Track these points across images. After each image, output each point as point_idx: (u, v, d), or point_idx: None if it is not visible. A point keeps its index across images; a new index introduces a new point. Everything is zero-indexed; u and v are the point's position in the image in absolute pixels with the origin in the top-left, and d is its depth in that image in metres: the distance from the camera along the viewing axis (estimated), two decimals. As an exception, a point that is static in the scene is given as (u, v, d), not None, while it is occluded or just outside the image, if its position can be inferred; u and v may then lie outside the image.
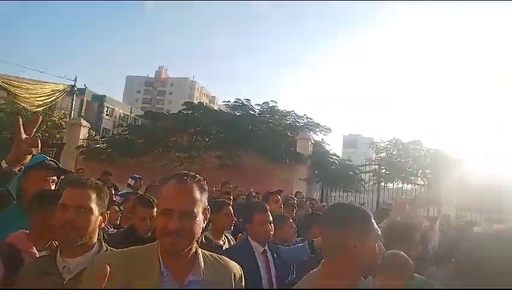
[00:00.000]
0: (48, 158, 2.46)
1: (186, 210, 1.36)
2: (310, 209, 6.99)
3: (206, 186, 1.49)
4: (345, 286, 1.53)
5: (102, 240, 1.72)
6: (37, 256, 1.82)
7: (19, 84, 11.93)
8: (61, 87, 13.39)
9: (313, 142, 12.89)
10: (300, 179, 11.85)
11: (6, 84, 11.61)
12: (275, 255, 3.10)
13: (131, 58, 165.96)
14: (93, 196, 1.62)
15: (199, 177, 1.48)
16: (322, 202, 12.18)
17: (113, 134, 24.88)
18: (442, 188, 12.29)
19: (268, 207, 3.06)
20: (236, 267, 1.56)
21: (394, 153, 16.30)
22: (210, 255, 1.53)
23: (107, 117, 40.34)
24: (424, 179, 14.85)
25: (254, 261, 2.85)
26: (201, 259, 1.46)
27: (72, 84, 13.87)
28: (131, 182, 6.07)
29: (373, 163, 15.59)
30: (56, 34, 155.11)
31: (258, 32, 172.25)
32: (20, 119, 1.38)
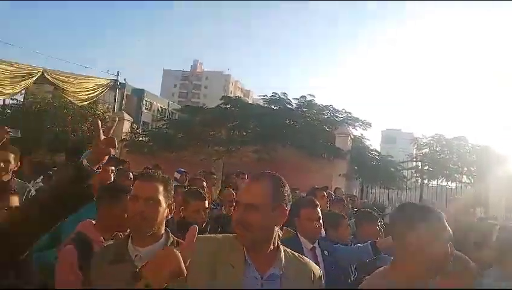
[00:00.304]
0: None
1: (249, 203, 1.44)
2: (350, 206, 6.86)
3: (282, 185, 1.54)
4: (416, 287, 1.52)
5: (169, 231, 1.77)
6: (104, 245, 1.91)
7: (66, 78, 12.49)
8: (104, 82, 13.88)
9: (352, 137, 12.63)
10: (339, 174, 11.65)
11: (55, 79, 12.19)
12: (326, 253, 3.05)
13: (168, 51, 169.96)
14: (161, 189, 1.68)
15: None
16: (361, 199, 11.94)
17: (152, 128, 25.61)
18: (489, 187, 11.69)
19: (318, 203, 3.01)
20: (316, 268, 1.60)
21: (437, 149, 15.67)
22: (291, 252, 1.58)
23: (146, 111, 41.50)
24: (469, 177, 14.19)
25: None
26: (283, 255, 1.51)
27: (115, 78, 14.33)
28: (177, 175, 6.22)
29: (415, 159, 15.09)
30: (97, 29, 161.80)
31: (291, 27, 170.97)
32: (100, 122, 1.45)
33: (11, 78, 10.95)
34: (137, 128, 14.83)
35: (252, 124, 13.36)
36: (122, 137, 13.14)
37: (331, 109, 13.77)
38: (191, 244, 1.15)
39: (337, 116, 13.63)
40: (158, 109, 44.11)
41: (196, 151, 12.30)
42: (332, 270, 2.97)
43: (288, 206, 1.52)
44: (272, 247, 1.49)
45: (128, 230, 1.78)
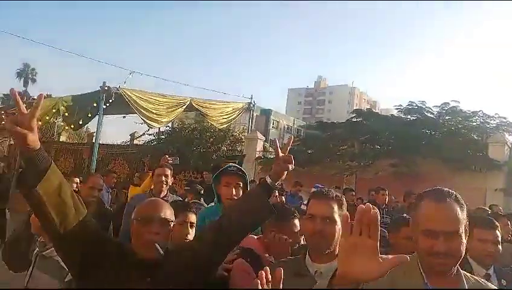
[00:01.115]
0: (233, 165, 2.95)
1: (452, 231, 1.36)
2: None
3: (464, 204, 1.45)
4: None
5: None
6: (273, 262, 2.00)
7: (209, 105, 13.95)
8: (240, 105, 15.04)
9: (510, 146, 10.84)
10: (495, 189, 10.09)
11: (200, 106, 13.72)
12: (503, 282, 2.66)
13: (292, 70, 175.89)
14: (336, 208, 1.69)
15: (457, 194, 1.45)
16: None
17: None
18: None
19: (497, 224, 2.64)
20: None
21: None
22: (471, 276, 1.48)
23: (273, 129, 43.39)
24: None
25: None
26: (464, 279, 1.42)
27: (249, 101, 15.38)
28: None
29: None
30: (231, 64, 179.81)
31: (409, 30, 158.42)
32: (277, 142, 1.56)
33: (166, 108, 12.76)
34: (269, 147, 15.52)
35: (386, 137, 12.67)
36: (256, 156, 13.92)
37: (481, 114, 12.11)
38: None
39: (488, 123, 11.91)
40: (284, 127, 45.64)
41: (327, 167, 12.21)
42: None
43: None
44: (454, 271, 1.41)
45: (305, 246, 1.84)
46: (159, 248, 1.57)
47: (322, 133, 14.57)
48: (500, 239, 2.62)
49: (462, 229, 1.38)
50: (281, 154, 1.53)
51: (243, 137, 15.34)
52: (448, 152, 10.72)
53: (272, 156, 14.76)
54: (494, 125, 11.76)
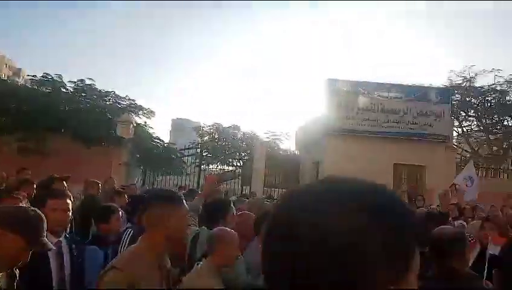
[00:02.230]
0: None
1: None
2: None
3: None
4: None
5: None
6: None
7: None
8: None
9: (135, 125, 12.42)
10: (119, 163, 11.31)
11: None
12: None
13: None
14: None
15: None
16: (144, 186, 11.96)
17: None
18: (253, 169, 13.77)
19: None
20: None
21: (216, 136, 17.39)
22: None
23: None
24: (240, 161, 16.37)
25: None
26: None
27: None
28: None
29: (197, 147, 16.22)
30: None
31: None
32: None
33: None
34: None
35: (14, 109, 11.30)
36: None
37: (113, 95, 13.11)
38: None
39: (119, 104, 13.08)
40: None
41: None
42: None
43: None
44: None
45: None
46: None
47: None
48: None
49: None
50: None
51: None
52: (80, 129, 10.90)
53: None
54: (125, 106, 13.06)
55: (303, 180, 13.83)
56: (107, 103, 12.92)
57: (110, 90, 13.15)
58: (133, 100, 13.42)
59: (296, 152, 16.84)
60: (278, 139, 17.74)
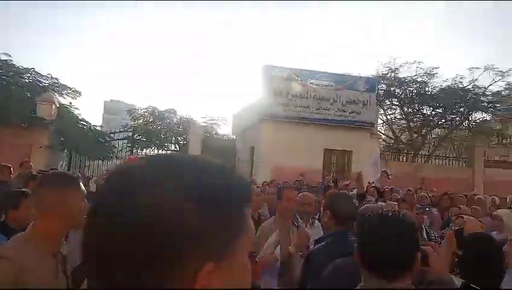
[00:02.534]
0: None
1: None
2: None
3: None
4: None
5: None
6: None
7: None
8: None
9: (58, 105, 11.55)
10: (40, 146, 10.47)
11: None
12: None
13: None
14: None
15: None
16: (69, 170, 11.24)
17: None
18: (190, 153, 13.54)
19: None
20: None
21: (151, 120, 16.80)
22: None
23: None
24: (176, 145, 16.02)
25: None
26: None
27: None
28: None
29: (129, 130, 15.55)
30: None
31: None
32: None
33: None
34: None
35: None
36: None
37: (33, 72, 12.03)
38: None
39: (40, 82, 12.05)
40: None
41: None
42: None
43: None
44: None
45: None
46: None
47: None
48: None
49: None
50: None
51: None
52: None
53: None
54: (46, 84, 12.07)
55: (239, 164, 13.95)
56: (26, 81, 11.84)
57: (29, 67, 12.06)
58: (56, 79, 12.46)
59: (233, 137, 16.91)
60: (215, 124, 17.62)
